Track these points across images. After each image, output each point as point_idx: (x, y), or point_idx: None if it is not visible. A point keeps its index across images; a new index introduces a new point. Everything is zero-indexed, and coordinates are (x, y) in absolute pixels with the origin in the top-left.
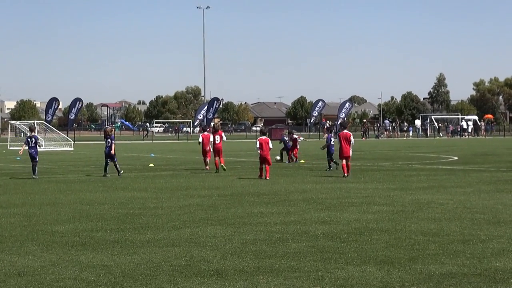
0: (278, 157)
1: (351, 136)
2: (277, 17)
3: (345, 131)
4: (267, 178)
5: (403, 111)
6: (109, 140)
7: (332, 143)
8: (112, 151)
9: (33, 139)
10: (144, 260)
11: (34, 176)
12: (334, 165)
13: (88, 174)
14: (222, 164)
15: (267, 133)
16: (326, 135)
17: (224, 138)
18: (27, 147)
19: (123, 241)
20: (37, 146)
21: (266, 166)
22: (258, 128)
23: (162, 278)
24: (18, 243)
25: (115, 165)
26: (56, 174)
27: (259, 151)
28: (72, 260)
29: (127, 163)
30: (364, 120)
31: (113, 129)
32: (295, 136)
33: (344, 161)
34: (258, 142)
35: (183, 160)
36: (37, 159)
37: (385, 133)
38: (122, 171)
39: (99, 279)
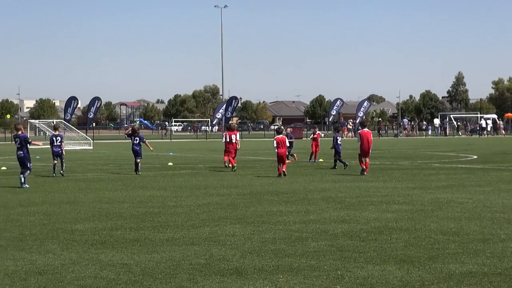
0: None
1: (371, 135)
2: (295, 15)
3: (365, 129)
4: (285, 170)
5: (422, 109)
6: (137, 138)
7: (340, 142)
8: (151, 148)
9: (59, 137)
10: (164, 259)
11: (62, 171)
12: (340, 164)
13: (110, 173)
14: (233, 164)
15: (283, 132)
16: (347, 132)
17: (238, 141)
18: (49, 146)
19: (142, 239)
20: (62, 144)
21: (283, 164)
22: (275, 127)
23: (181, 277)
24: (38, 242)
25: (138, 164)
26: (75, 172)
27: (276, 150)
28: (92, 259)
29: (146, 161)
30: (379, 119)
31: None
32: (318, 132)
33: (363, 159)
34: (275, 142)
35: (202, 159)
36: (63, 158)
37: (404, 132)
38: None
39: (119, 278)
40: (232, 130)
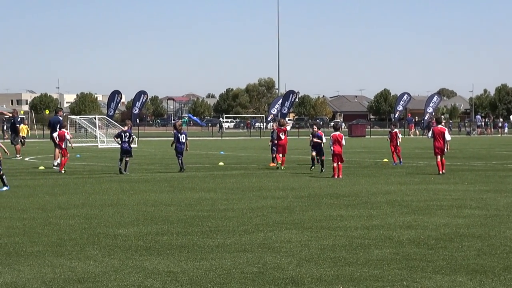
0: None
1: (446, 132)
2: (358, 4)
3: (440, 126)
4: (340, 176)
5: (497, 105)
6: (184, 135)
7: (324, 141)
8: (188, 149)
9: (127, 134)
10: (213, 267)
11: (124, 172)
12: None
13: (156, 173)
14: (282, 165)
15: (340, 129)
16: (316, 131)
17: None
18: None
19: (190, 245)
20: (130, 141)
21: (339, 164)
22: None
23: (232, 286)
24: (78, 247)
25: (181, 160)
26: (118, 172)
27: (332, 148)
28: (135, 266)
29: (195, 161)
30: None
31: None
32: (395, 129)
33: (438, 158)
34: (331, 139)
35: (255, 158)
36: (131, 155)
37: (477, 129)
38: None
39: (164, 287)
40: (281, 126)
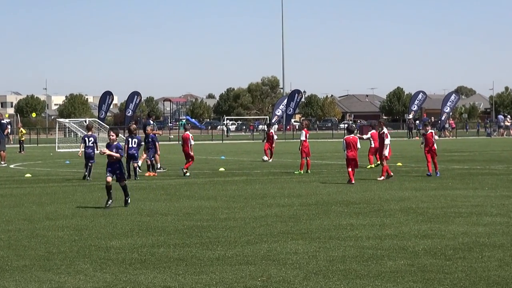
0: (266, 158)
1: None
2: None
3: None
4: (352, 182)
5: None
6: (135, 140)
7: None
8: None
9: (92, 138)
10: (214, 281)
11: (88, 178)
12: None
13: (151, 180)
14: (308, 168)
15: (355, 131)
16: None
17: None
18: (84, 147)
19: (189, 258)
20: (96, 146)
21: (354, 169)
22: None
23: None
24: (68, 261)
25: (135, 168)
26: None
27: (345, 152)
28: (130, 281)
29: (194, 166)
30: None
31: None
32: (272, 130)
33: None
34: (345, 142)
35: (258, 164)
36: (94, 160)
37: (499, 130)
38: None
39: None
40: (303, 127)
